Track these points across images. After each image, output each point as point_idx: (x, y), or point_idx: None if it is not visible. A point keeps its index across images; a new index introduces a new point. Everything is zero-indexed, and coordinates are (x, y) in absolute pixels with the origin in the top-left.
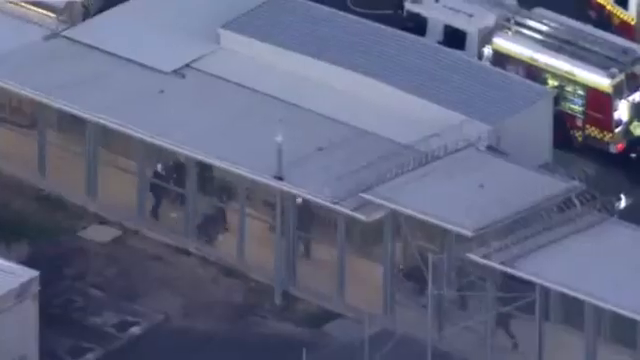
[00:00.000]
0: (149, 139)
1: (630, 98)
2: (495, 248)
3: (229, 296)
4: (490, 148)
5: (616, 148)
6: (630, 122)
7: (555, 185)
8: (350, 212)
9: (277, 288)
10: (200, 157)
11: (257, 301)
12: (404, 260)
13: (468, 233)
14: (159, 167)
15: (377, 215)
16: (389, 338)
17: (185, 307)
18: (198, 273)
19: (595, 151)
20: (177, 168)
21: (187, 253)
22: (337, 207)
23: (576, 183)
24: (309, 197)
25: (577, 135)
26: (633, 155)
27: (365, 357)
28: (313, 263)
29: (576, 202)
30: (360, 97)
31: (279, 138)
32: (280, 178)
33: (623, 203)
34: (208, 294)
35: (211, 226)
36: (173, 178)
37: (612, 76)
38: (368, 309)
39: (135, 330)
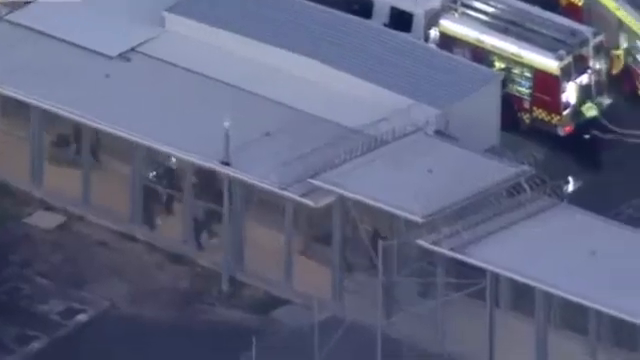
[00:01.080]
0: (95, 124)
1: (578, 80)
2: (445, 234)
3: (176, 282)
4: (438, 132)
5: (564, 131)
6: (580, 104)
7: (504, 170)
8: (298, 198)
9: (224, 274)
10: (146, 142)
11: (204, 287)
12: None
13: (418, 219)
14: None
15: (326, 201)
16: (338, 325)
17: (131, 294)
18: (144, 259)
19: (543, 134)
20: (168, 174)
21: (133, 239)
22: (285, 193)
23: (525, 168)
24: (256, 183)
25: (524, 118)
26: (587, 136)
27: (315, 343)
28: (260, 249)
29: (526, 187)
30: (307, 81)
31: (227, 123)
32: (227, 163)
33: (571, 187)
34: (154, 281)
35: (201, 231)
36: (165, 184)
37: (560, 58)
38: (316, 295)
39: (81, 317)
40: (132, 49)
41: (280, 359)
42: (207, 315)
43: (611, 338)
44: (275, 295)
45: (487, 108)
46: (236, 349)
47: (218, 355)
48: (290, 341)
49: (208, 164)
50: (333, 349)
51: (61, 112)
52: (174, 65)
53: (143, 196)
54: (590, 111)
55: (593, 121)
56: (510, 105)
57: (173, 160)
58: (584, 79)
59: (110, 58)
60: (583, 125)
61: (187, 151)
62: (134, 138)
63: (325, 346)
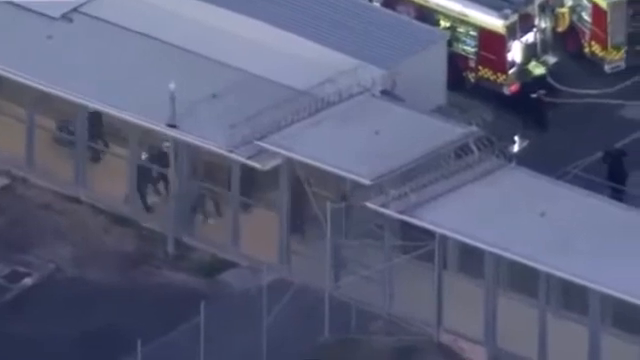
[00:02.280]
0: (38, 86)
1: (523, 39)
2: (393, 196)
3: (121, 245)
4: (385, 93)
5: (509, 90)
6: (525, 63)
7: (452, 131)
8: (245, 160)
9: (170, 237)
10: (91, 105)
11: (150, 250)
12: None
13: (366, 181)
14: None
15: (273, 163)
16: (286, 288)
17: (77, 257)
18: (89, 222)
19: (488, 93)
20: (162, 156)
21: (77, 201)
22: (232, 155)
23: (473, 128)
24: (203, 145)
25: (470, 77)
26: (534, 95)
27: (264, 306)
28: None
29: (474, 148)
30: (252, 42)
31: (172, 85)
32: (174, 126)
33: (517, 147)
34: (100, 243)
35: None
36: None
37: (505, 17)
38: (264, 258)
39: (27, 281)
40: (75, 10)
41: (228, 322)
42: (153, 278)
43: (561, 300)
44: (222, 258)
45: (433, 68)
46: (183, 312)
47: (164, 318)
48: (238, 304)
49: (154, 126)
50: (281, 312)
51: (2, 73)
52: (118, 26)
53: (137, 178)
54: (537, 69)
55: (540, 79)
56: (455, 64)
57: (167, 144)
58: (529, 38)
59: (53, 19)
60: (529, 84)
61: (132, 113)
62: (78, 100)
63: (273, 309)
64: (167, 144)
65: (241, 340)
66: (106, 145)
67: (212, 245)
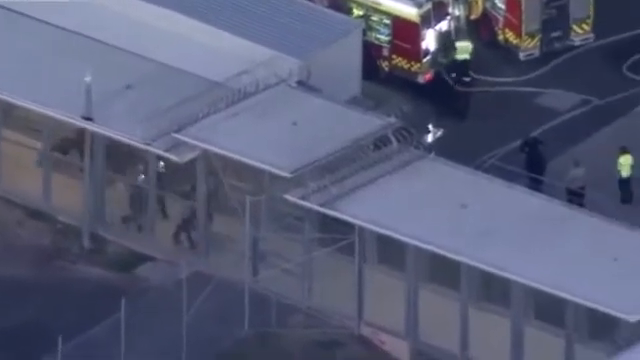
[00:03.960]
0: None
1: (437, 27)
2: (313, 189)
3: (36, 239)
4: (301, 84)
5: (424, 78)
6: (438, 52)
7: (371, 122)
8: (162, 153)
9: (85, 230)
10: (3, 97)
11: (65, 244)
12: None
13: (286, 174)
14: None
15: (190, 155)
16: (204, 281)
17: None
18: (4, 216)
19: (403, 81)
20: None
21: None
22: (149, 148)
23: (392, 119)
24: (120, 138)
25: (383, 65)
26: (450, 77)
27: (183, 301)
28: (122, 203)
29: (392, 139)
30: (168, 33)
31: (88, 77)
32: (89, 118)
33: (431, 136)
34: (14, 237)
35: (189, 230)
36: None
37: (419, 5)
38: (180, 251)
39: None
40: None
41: (147, 317)
42: (69, 273)
43: (482, 293)
44: (138, 251)
45: (349, 57)
46: (101, 307)
47: (82, 314)
48: (157, 299)
49: (69, 119)
50: (200, 306)
51: None
52: (31, 18)
53: (131, 201)
54: (463, 53)
55: (462, 64)
56: (369, 53)
57: (161, 164)
58: (443, 26)
59: None
60: (446, 69)
61: (47, 106)
62: None
63: (192, 303)
64: (162, 164)
65: (161, 335)
66: None
67: (127, 238)
